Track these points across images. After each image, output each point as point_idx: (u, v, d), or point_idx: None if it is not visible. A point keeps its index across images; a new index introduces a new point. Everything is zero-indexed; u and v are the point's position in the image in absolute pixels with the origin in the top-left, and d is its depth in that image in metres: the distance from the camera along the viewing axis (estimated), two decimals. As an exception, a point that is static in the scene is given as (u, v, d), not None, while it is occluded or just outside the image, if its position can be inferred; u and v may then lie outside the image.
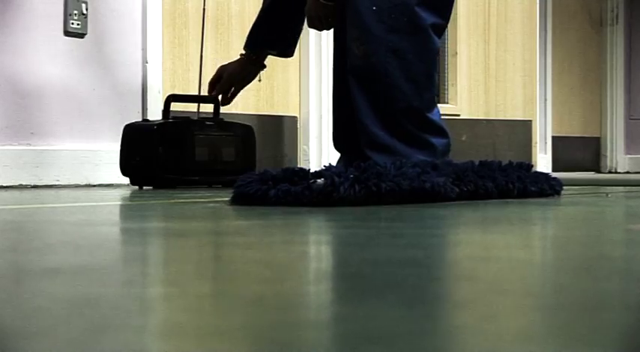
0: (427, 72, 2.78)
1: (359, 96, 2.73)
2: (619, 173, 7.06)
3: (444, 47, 5.54)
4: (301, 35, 4.57)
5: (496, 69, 5.71)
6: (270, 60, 4.80)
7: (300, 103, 4.80)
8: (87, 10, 3.83)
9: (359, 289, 0.94)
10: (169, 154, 3.51)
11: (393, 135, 2.73)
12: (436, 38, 2.80)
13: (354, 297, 0.89)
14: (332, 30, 3.02)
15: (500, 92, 5.72)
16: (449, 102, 5.52)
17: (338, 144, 2.97)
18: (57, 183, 3.72)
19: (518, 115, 5.84)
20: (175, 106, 3.83)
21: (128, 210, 2.43)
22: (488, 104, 5.68)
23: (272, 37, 3.14)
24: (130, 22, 3.99)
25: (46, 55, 3.73)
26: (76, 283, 0.96)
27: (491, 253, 1.28)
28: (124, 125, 3.59)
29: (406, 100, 2.73)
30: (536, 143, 6.04)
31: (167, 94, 3.85)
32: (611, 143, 7.32)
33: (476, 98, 5.64)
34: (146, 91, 4.01)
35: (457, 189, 2.42)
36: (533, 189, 2.61)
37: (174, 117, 3.61)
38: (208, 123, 3.70)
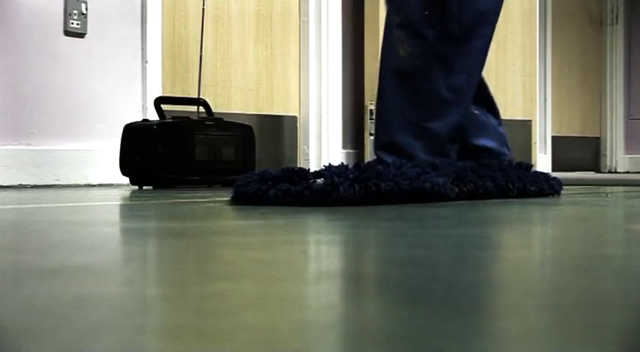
0: (469, 83, 2.75)
1: (395, 97, 2.70)
2: (619, 173, 7.06)
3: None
4: (301, 35, 4.58)
5: (496, 69, 5.71)
6: (270, 60, 4.81)
7: (300, 103, 4.80)
8: (87, 10, 3.83)
9: (360, 289, 0.94)
10: (169, 154, 3.51)
11: (416, 140, 2.70)
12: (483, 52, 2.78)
13: (355, 297, 0.89)
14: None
15: (500, 92, 5.72)
16: (449, 102, 5.52)
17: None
18: (57, 183, 3.72)
19: (518, 115, 5.84)
20: (176, 106, 3.83)
21: (128, 210, 2.43)
22: (488, 104, 5.68)
23: None
24: (130, 22, 3.99)
25: (46, 55, 3.73)
26: (76, 283, 0.96)
27: (490, 253, 1.28)
28: (124, 125, 3.59)
29: (443, 109, 2.70)
30: (535, 143, 6.04)
31: (164, 95, 3.85)
32: (611, 143, 7.32)
33: (476, 98, 5.63)
34: (146, 91, 4.01)
35: (457, 189, 2.42)
36: (532, 188, 2.61)
37: (174, 117, 3.62)
38: (208, 123, 3.70)
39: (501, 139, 2.87)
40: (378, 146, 2.73)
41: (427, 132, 2.70)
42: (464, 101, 2.74)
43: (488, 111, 2.89)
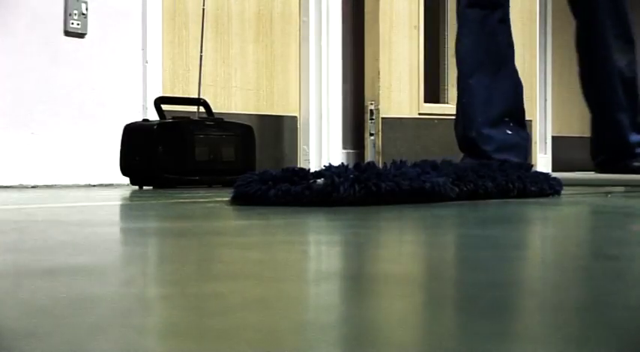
0: None
1: (621, 100, 3.15)
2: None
3: (445, 47, 5.53)
4: (301, 35, 4.59)
5: (496, 69, 5.70)
6: (270, 60, 4.81)
7: (300, 103, 4.80)
8: (87, 10, 3.83)
9: (361, 289, 0.94)
10: (169, 154, 3.52)
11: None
12: None
13: (355, 298, 0.89)
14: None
15: (500, 92, 5.71)
16: (449, 102, 5.52)
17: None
18: (57, 183, 3.72)
19: (518, 115, 5.82)
20: (176, 106, 3.83)
21: (128, 210, 2.43)
22: (488, 104, 5.67)
23: None
24: (130, 22, 3.99)
25: (46, 55, 3.73)
26: (76, 283, 0.96)
27: (491, 253, 1.28)
28: (124, 125, 3.59)
29: None
30: (536, 143, 6.03)
31: (164, 95, 3.85)
32: (611, 143, 7.30)
33: (476, 98, 5.62)
34: (146, 91, 4.01)
35: (457, 189, 2.43)
36: (532, 188, 2.61)
37: (174, 118, 3.62)
38: (208, 123, 3.70)
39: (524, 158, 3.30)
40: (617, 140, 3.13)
41: None
42: None
43: (520, 127, 3.39)
